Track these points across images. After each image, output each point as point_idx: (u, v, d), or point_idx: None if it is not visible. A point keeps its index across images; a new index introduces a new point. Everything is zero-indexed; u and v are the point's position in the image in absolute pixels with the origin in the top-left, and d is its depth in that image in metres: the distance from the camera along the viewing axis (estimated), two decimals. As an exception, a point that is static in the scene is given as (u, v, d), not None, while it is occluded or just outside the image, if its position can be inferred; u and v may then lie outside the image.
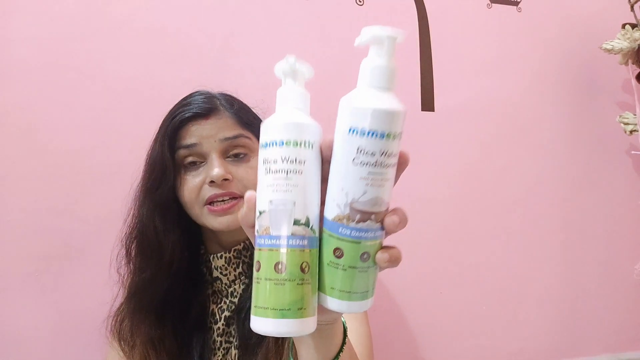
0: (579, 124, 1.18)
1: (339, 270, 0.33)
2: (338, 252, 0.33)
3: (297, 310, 0.32)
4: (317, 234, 0.35)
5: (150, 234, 0.64)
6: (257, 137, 0.66)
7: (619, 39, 1.10)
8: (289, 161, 0.34)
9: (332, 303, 0.34)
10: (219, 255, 0.68)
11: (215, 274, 0.69)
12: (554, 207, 1.14)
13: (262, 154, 0.35)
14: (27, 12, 0.88)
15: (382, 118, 0.32)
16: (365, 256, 0.33)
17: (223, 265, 0.68)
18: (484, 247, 1.08)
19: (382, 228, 0.35)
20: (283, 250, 0.33)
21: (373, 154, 0.32)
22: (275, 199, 0.33)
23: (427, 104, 1.08)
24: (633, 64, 1.13)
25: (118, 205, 0.88)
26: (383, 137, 0.32)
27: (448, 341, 1.03)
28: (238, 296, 0.68)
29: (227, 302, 0.69)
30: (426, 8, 1.10)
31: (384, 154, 0.32)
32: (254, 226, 0.36)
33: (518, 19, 1.17)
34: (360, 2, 1.06)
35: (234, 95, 0.72)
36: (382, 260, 0.35)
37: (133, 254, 0.68)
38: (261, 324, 0.33)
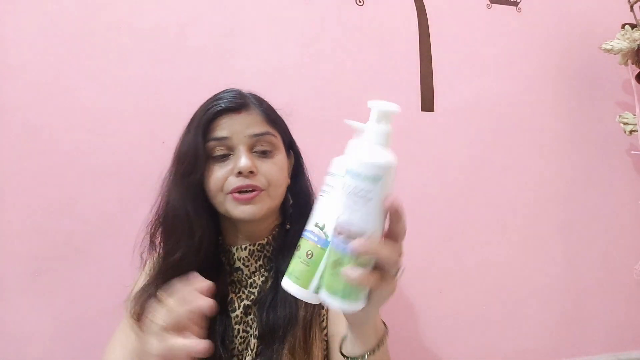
0: (579, 124, 1.18)
1: (328, 270, 0.44)
2: (328, 255, 0.45)
3: (307, 283, 0.46)
4: (326, 239, 0.46)
5: (182, 218, 0.67)
6: (281, 136, 0.72)
7: (619, 39, 1.10)
8: (327, 185, 0.48)
9: (328, 298, 0.44)
10: (243, 247, 0.71)
11: (238, 264, 0.72)
12: (553, 207, 1.14)
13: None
14: (27, 12, 0.88)
15: (373, 168, 0.44)
16: (336, 263, 0.43)
17: (246, 257, 0.72)
18: (484, 246, 1.08)
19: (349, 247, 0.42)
20: (305, 239, 0.47)
21: (360, 189, 0.43)
22: (315, 207, 0.48)
23: (427, 104, 1.08)
24: (633, 64, 1.13)
25: (118, 205, 0.89)
26: (369, 180, 0.43)
27: (448, 341, 1.03)
28: (257, 287, 0.71)
29: (246, 292, 0.71)
30: (426, 8, 1.10)
31: (366, 190, 0.43)
32: None
33: (518, 19, 1.17)
34: (360, 2, 1.06)
35: None
36: (351, 278, 0.42)
37: (161, 238, 0.71)
38: (290, 286, 0.47)
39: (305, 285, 0.46)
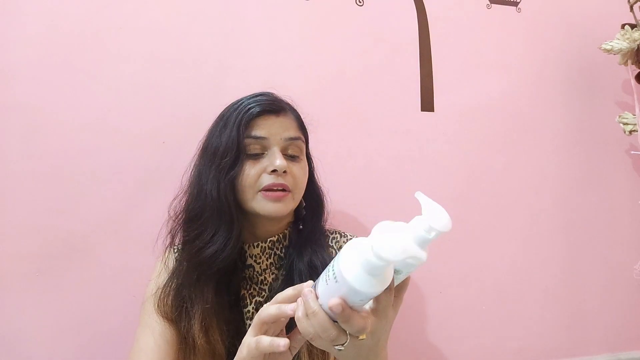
0: (578, 124, 1.18)
1: None
2: None
3: None
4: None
5: (225, 210, 0.68)
6: (306, 142, 0.77)
7: (619, 40, 1.10)
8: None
9: None
10: (255, 244, 0.74)
11: (249, 261, 0.74)
12: (553, 207, 1.14)
13: None
14: (27, 12, 0.88)
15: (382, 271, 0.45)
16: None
17: (258, 254, 0.74)
18: (484, 246, 1.08)
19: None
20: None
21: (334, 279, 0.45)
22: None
23: (427, 104, 1.08)
24: (632, 64, 1.13)
25: (118, 205, 0.89)
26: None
27: (448, 341, 1.03)
28: (268, 285, 0.74)
29: (257, 288, 0.74)
30: (426, 8, 1.10)
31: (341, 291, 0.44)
32: None
33: (518, 19, 1.17)
34: (360, 2, 1.06)
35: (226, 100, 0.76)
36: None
37: (193, 231, 0.70)
38: None
39: None
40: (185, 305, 0.68)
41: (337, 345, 0.46)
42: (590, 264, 1.14)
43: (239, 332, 0.69)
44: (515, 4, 1.18)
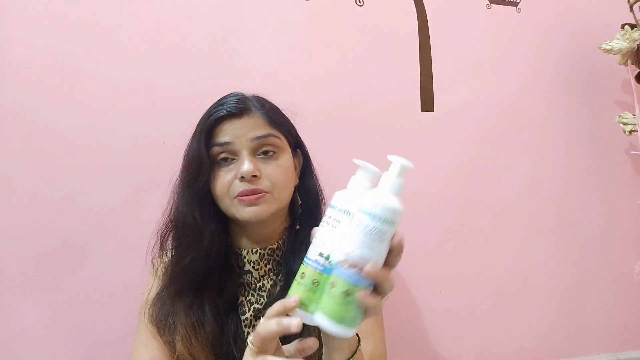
0: (578, 124, 1.18)
1: (332, 298, 0.47)
2: (331, 285, 0.47)
3: (307, 307, 0.48)
4: (329, 267, 0.49)
5: (190, 223, 0.68)
6: (286, 136, 0.73)
7: (618, 40, 1.10)
8: (332, 218, 0.50)
9: (329, 325, 0.47)
10: (253, 250, 0.72)
11: (248, 267, 0.73)
12: (553, 207, 1.14)
13: (328, 209, 0.52)
14: (27, 12, 0.88)
15: (391, 213, 0.48)
16: (345, 293, 0.47)
17: (256, 260, 0.72)
18: (484, 246, 1.08)
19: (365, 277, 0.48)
20: (308, 267, 0.50)
21: (374, 227, 0.47)
22: (317, 236, 0.51)
23: (427, 104, 1.08)
24: (632, 64, 1.13)
25: (118, 205, 0.89)
26: (387, 222, 0.47)
27: (447, 341, 1.03)
28: (266, 291, 0.72)
29: (256, 295, 0.73)
30: (426, 8, 1.10)
31: (379, 229, 0.47)
32: None
33: (518, 19, 1.17)
34: (360, 2, 1.06)
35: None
36: (365, 303, 0.47)
37: (173, 243, 0.72)
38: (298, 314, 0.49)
39: (310, 311, 0.48)
40: (167, 319, 0.67)
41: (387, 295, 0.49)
42: (590, 264, 1.14)
43: (237, 340, 0.69)
44: (515, 4, 1.18)
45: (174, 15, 0.95)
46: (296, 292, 0.49)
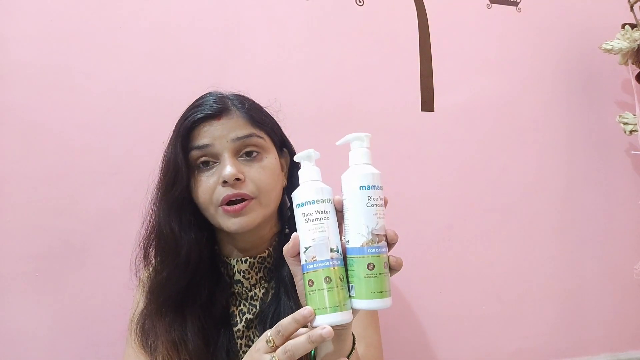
0: (578, 124, 1.18)
1: (372, 278, 0.49)
2: (370, 266, 0.49)
3: (343, 305, 0.48)
4: (341, 257, 0.50)
5: (167, 235, 0.65)
6: (270, 136, 0.69)
7: (619, 39, 1.10)
8: (320, 212, 0.50)
9: (373, 303, 0.48)
10: (243, 259, 0.69)
11: (238, 277, 0.69)
12: (553, 207, 1.14)
13: (301, 210, 0.51)
14: (27, 12, 0.88)
15: (378, 178, 0.51)
16: (385, 264, 0.50)
17: (246, 270, 0.69)
18: (484, 246, 1.08)
19: (387, 244, 0.51)
20: (329, 268, 0.49)
21: (376, 199, 0.50)
22: (317, 237, 0.49)
23: (427, 104, 1.08)
24: (633, 64, 1.13)
25: (118, 205, 0.89)
26: (379, 188, 0.51)
27: (447, 341, 1.03)
28: (258, 300, 0.69)
29: (247, 305, 0.70)
30: (426, 8, 1.10)
31: (380, 197, 0.51)
32: (295, 256, 0.51)
33: (518, 19, 1.17)
34: (360, 2, 1.06)
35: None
36: (397, 264, 0.50)
37: (152, 255, 0.68)
38: (326, 319, 0.48)
39: (348, 307, 0.49)
40: (149, 339, 0.64)
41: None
42: (590, 264, 1.14)
43: (229, 353, 0.66)
44: (515, 4, 1.17)
45: (174, 15, 0.95)
46: (313, 302, 0.48)
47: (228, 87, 0.74)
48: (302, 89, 1.00)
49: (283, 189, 0.71)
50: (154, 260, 0.68)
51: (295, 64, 1.01)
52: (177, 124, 0.67)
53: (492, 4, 1.16)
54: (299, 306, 0.63)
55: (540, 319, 1.10)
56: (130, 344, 0.67)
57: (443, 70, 1.09)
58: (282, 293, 0.66)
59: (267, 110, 0.72)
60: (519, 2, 1.18)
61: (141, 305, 0.68)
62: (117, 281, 0.86)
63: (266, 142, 0.67)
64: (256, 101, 0.71)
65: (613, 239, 1.17)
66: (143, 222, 0.69)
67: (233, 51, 0.97)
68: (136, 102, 0.91)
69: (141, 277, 0.71)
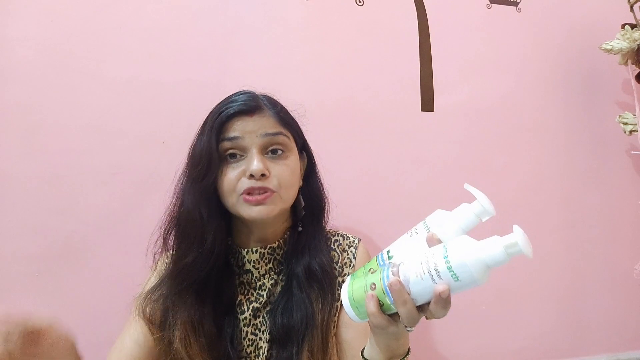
0: (578, 124, 1.18)
1: None
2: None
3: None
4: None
5: (195, 221, 0.67)
6: (294, 137, 0.72)
7: (619, 39, 1.10)
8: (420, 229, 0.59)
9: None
10: (254, 249, 0.72)
11: (248, 266, 0.72)
12: (553, 207, 1.14)
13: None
14: (27, 12, 0.88)
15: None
16: None
17: (256, 260, 0.72)
18: (484, 247, 1.08)
19: None
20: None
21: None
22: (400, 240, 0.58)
23: (427, 104, 1.08)
24: (632, 64, 1.13)
25: (119, 205, 0.89)
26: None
27: (448, 341, 1.03)
28: (266, 290, 0.72)
29: (255, 294, 0.72)
30: (426, 8, 1.10)
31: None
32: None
33: (518, 19, 1.17)
34: (360, 2, 1.06)
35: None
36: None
37: (174, 241, 0.71)
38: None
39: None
40: (167, 315, 0.67)
41: (410, 327, 0.53)
42: (590, 263, 1.14)
43: (233, 341, 0.68)
44: (515, 4, 1.18)
45: (175, 15, 0.95)
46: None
47: (228, 86, 0.75)
48: (302, 88, 1.00)
49: (299, 188, 0.74)
50: (176, 247, 0.71)
51: (296, 64, 1.01)
52: (210, 117, 0.70)
53: (492, 4, 1.16)
54: (311, 299, 0.67)
55: (540, 319, 1.10)
56: (134, 317, 0.69)
57: (443, 70, 1.09)
58: (295, 287, 0.69)
59: (292, 114, 0.75)
60: (519, 2, 1.18)
61: (149, 285, 0.71)
62: (118, 281, 0.87)
63: (291, 142, 0.71)
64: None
65: (613, 239, 1.17)
66: (166, 209, 0.72)
67: (233, 51, 0.97)
68: (136, 101, 0.91)
69: (157, 259, 0.74)
